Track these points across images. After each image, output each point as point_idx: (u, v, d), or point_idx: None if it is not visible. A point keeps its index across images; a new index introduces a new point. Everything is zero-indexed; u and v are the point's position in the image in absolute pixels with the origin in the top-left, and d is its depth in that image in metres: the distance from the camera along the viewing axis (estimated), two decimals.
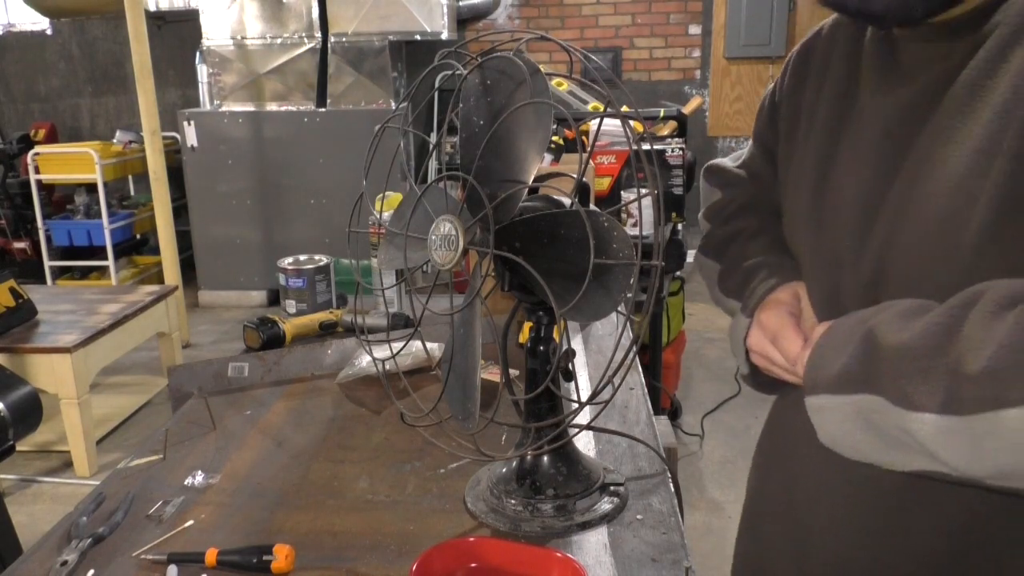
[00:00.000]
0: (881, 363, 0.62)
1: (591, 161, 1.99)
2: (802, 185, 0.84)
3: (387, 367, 0.96)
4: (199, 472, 1.08)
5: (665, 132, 3.14)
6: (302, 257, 1.82)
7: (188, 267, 4.95)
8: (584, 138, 2.49)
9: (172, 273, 4.39)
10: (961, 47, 0.67)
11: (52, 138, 5.68)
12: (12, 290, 3.05)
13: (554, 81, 3.41)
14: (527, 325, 0.94)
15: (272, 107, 4.95)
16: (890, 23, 0.71)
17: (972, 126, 0.63)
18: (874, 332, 0.64)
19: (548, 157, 2.42)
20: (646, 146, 1.91)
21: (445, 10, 4.77)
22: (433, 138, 3.63)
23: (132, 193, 5.66)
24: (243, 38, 4.92)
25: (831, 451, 0.73)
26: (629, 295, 0.77)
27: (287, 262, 1.79)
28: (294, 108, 4.92)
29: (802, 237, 0.86)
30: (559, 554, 0.82)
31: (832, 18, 0.85)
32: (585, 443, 1.10)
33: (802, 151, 0.85)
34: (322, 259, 1.80)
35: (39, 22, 5.94)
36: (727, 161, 1.04)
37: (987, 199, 0.61)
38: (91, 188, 5.03)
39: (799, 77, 0.88)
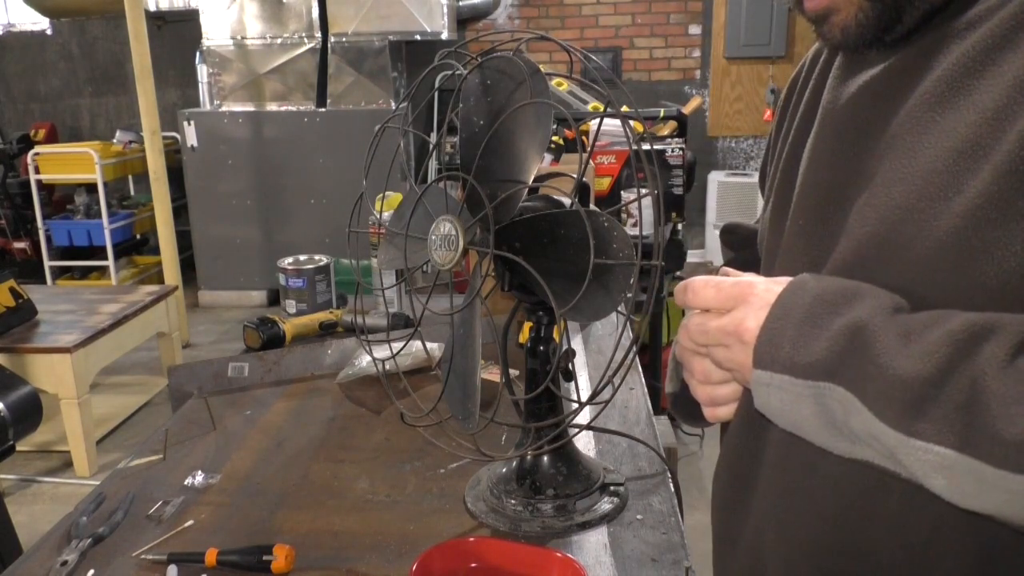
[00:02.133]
0: (866, 369, 0.58)
1: (591, 161, 1.99)
2: (769, 203, 0.82)
3: (387, 367, 0.96)
4: (199, 472, 1.08)
5: (665, 132, 3.14)
6: (302, 257, 1.82)
7: (188, 267, 4.95)
8: (584, 138, 2.49)
9: (172, 273, 4.39)
10: (931, 39, 0.65)
11: (52, 138, 5.68)
12: (12, 290, 3.05)
13: (554, 81, 3.41)
14: (527, 325, 0.94)
15: (272, 107, 4.95)
16: (850, 50, 0.69)
17: (953, 123, 0.61)
18: (867, 333, 0.59)
19: (548, 157, 2.42)
20: (646, 146, 1.91)
21: (445, 10, 4.77)
22: (433, 138, 3.63)
23: (132, 193, 5.66)
24: (243, 38, 4.92)
25: (786, 478, 0.70)
26: (629, 295, 0.77)
27: (287, 262, 1.79)
28: (294, 108, 4.92)
29: (767, 246, 0.81)
30: (559, 554, 0.82)
31: (814, 47, 0.83)
32: (585, 443, 1.10)
33: (773, 173, 0.83)
34: (322, 259, 1.80)
35: (39, 22, 5.93)
36: (748, 223, 0.99)
37: (962, 204, 0.58)
38: (91, 188, 5.02)
39: (783, 110, 0.86)
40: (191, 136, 4.88)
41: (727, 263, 0.96)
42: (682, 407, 0.87)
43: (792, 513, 0.71)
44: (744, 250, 0.98)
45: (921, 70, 0.65)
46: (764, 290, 0.66)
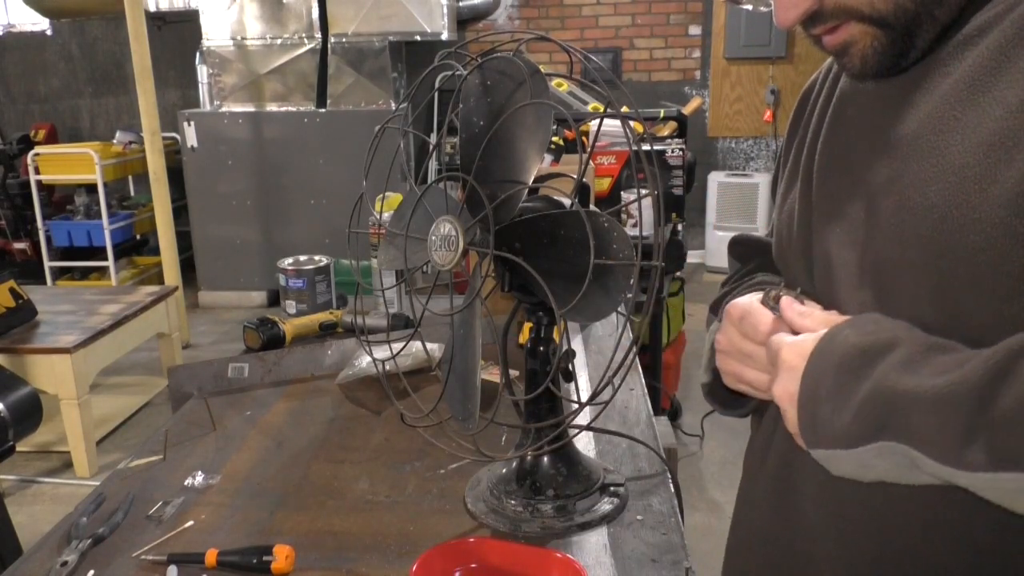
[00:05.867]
0: (907, 418, 0.59)
1: (591, 162, 1.99)
2: (791, 197, 0.82)
3: (387, 368, 0.96)
4: (199, 472, 1.08)
5: (665, 133, 3.14)
6: (302, 258, 1.82)
7: (188, 268, 4.95)
8: (584, 139, 2.49)
9: (172, 274, 4.39)
10: (945, 50, 0.67)
11: (52, 139, 5.68)
12: (12, 291, 3.05)
13: (554, 82, 3.41)
14: (527, 326, 0.94)
15: (272, 108, 4.95)
16: (871, 78, 0.71)
17: (977, 119, 0.63)
18: (888, 391, 0.60)
19: (548, 157, 2.42)
20: (646, 147, 1.91)
21: (445, 10, 4.77)
22: (433, 138, 3.63)
23: (132, 193, 5.67)
24: (243, 38, 4.92)
25: (838, 485, 0.69)
26: (629, 295, 0.77)
27: (287, 263, 1.79)
28: (294, 108, 4.92)
29: (794, 265, 0.82)
30: (559, 555, 0.82)
31: (830, 59, 0.84)
32: (585, 444, 1.10)
33: (790, 176, 0.84)
34: (322, 259, 1.80)
35: (39, 22, 5.93)
36: (758, 234, 1.00)
37: (1001, 193, 0.60)
38: (91, 188, 5.03)
39: (797, 116, 0.87)
40: (191, 137, 4.89)
41: (736, 274, 0.98)
42: (717, 395, 0.89)
43: (846, 524, 0.71)
44: (754, 261, 0.98)
45: (938, 76, 0.67)
46: (791, 356, 0.69)
